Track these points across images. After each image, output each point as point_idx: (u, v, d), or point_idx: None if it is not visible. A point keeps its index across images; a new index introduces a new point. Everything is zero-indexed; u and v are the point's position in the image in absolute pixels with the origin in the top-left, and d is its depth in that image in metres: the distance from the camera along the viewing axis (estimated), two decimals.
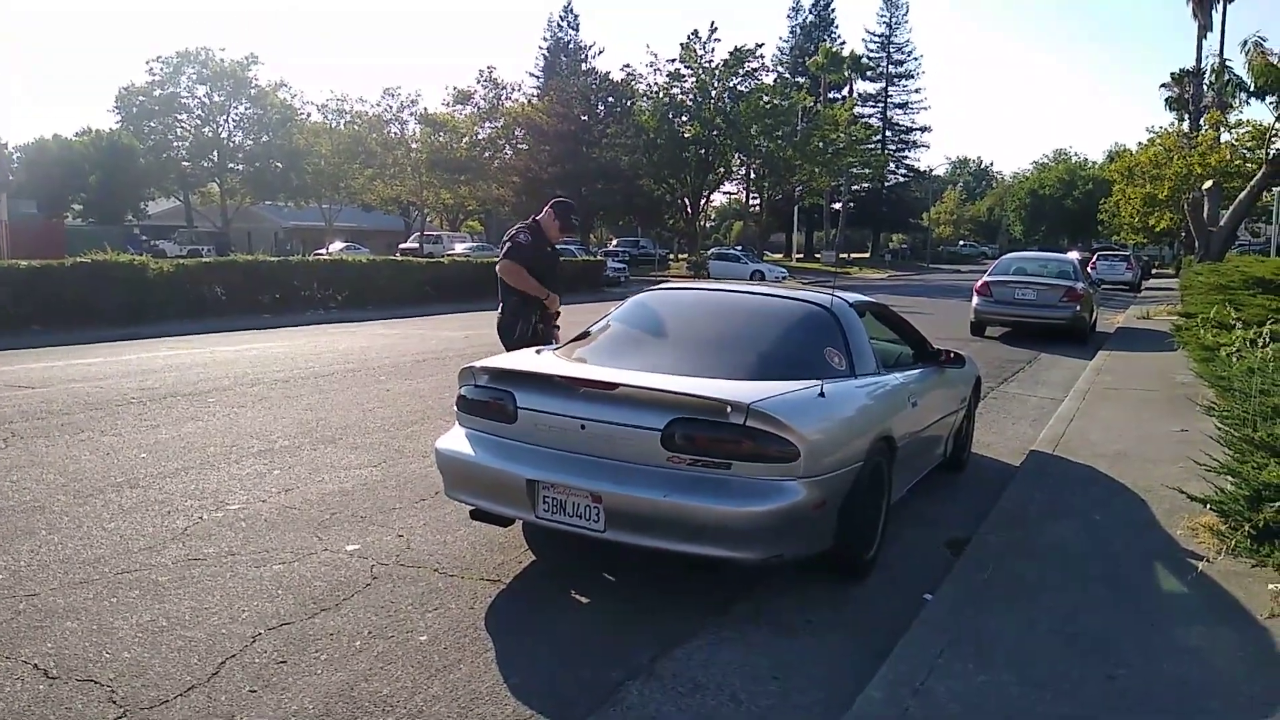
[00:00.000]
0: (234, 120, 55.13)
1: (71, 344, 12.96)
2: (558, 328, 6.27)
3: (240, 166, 55.29)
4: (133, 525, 4.92)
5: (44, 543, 4.62)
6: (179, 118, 54.59)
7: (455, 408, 4.54)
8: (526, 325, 6.10)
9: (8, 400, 8.34)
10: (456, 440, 4.42)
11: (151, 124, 53.82)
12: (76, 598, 3.96)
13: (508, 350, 5.63)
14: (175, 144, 54.97)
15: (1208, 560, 4.47)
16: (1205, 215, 22.87)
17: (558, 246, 6.64)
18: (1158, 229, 40.36)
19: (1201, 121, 38.41)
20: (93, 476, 5.86)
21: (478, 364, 4.46)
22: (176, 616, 3.80)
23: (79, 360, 11.20)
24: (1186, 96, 43.46)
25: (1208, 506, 4.81)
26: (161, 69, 53.05)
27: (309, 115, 54.28)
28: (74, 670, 3.32)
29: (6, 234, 29.43)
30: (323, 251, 41.22)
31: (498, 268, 6.16)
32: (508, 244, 6.18)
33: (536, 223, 6.29)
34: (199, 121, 54.68)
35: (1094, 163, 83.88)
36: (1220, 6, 40.49)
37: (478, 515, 4.48)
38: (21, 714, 3.03)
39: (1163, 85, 46.38)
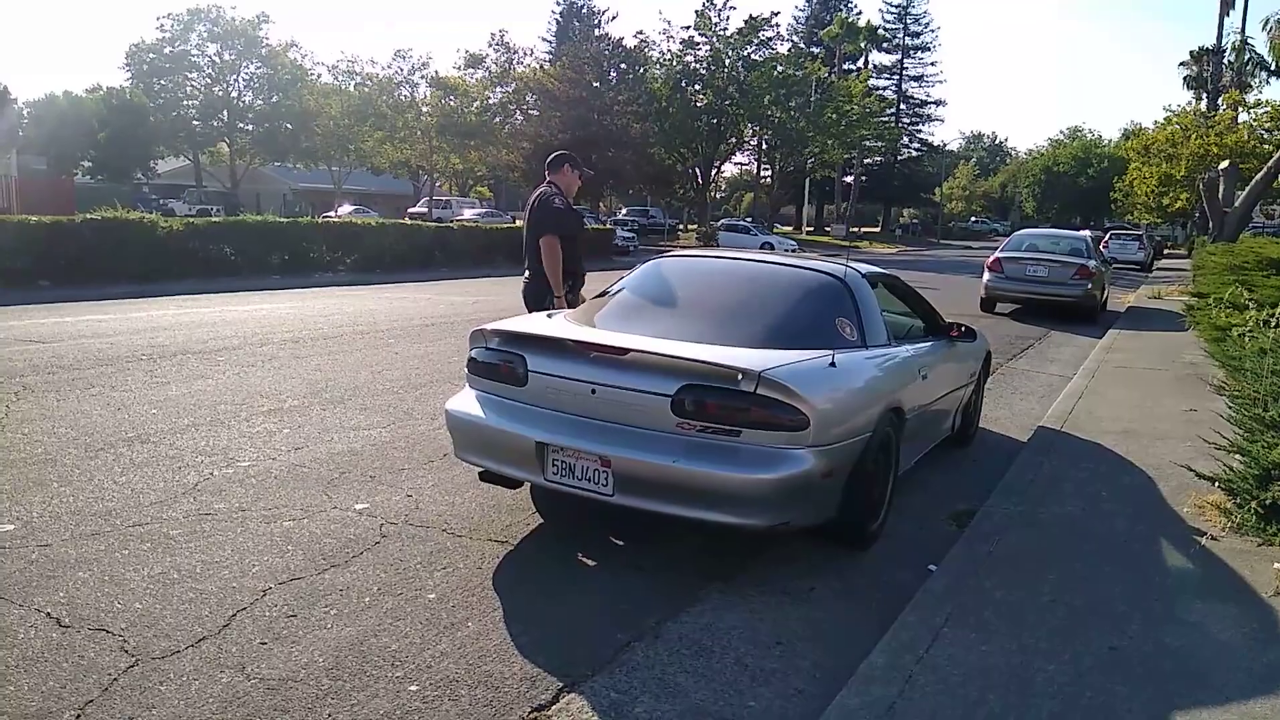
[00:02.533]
0: (244, 80, 54.72)
1: (81, 300, 12.98)
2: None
3: (250, 127, 54.96)
4: (144, 479, 4.96)
5: (56, 495, 4.66)
6: (189, 76, 54.21)
7: (466, 370, 4.55)
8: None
9: (18, 354, 8.38)
10: (467, 402, 4.43)
11: (162, 82, 53.46)
12: (88, 549, 4.00)
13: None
14: (185, 103, 54.62)
15: (1213, 538, 4.49)
16: (1220, 196, 22.68)
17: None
18: (1172, 209, 40.13)
19: (1220, 101, 38.09)
20: (104, 431, 5.89)
21: (489, 326, 4.46)
22: (188, 569, 3.84)
23: (89, 316, 11.23)
24: (1205, 75, 43.09)
25: (1215, 484, 4.82)
26: (172, 26, 52.61)
27: (319, 76, 53.91)
28: (86, 619, 3.36)
29: (16, 190, 29.47)
30: (331, 214, 41.12)
31: (543, 241, 5.75)
32: (555, 213, 5.81)
33: (555, 184, 5.98)
34: (209, 80, 54.31)
35: (1109, 141, 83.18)
36: None
37: (486, 477, 4.50)
38: (34, 661, 3.07)
39: (1181, 64, 46.05)
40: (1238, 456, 4.80)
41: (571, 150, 6.88)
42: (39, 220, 15.17)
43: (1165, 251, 49.63)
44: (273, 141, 54.15)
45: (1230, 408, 5.72)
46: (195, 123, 54.82)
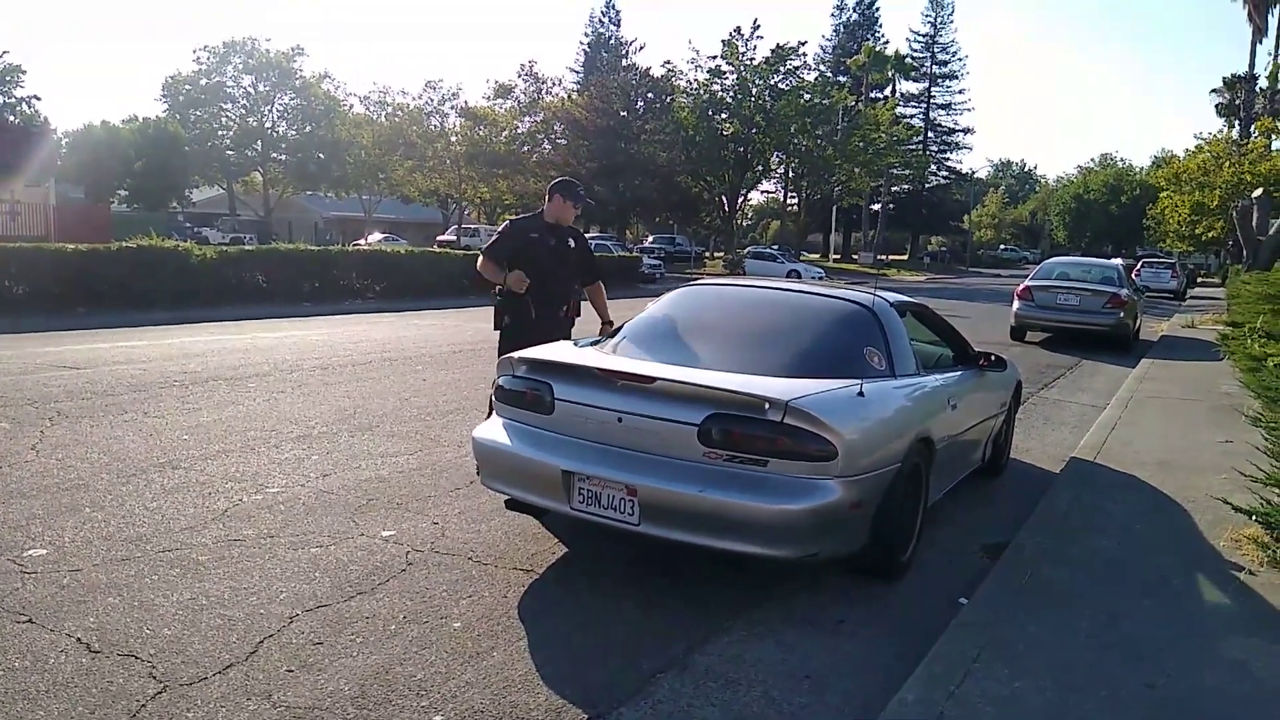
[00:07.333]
0: (278, 111, 55.67)
1: (116, 327, 13.19)
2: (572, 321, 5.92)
3: (283, 156, 55.82)
4: (174, 505, 5.00)
5: (88, 520, 4.70)
6: (224, 107, 55.22)
7: (493, 397, 4.56)
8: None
9: (54, 380, 8.50)
10: (493, 430, 4.44)
11: (197, 113, 54.48)
12: (119, 574, 4.03)
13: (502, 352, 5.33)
14: (220, 133, 55.59)
15: (1251, 572, 4.39)
16: (1254, 224, 22.42)
17: (594, 243, 6.41)
18: (1205, 238, 39.71)
19: (1252, 129, 37.74)
20: (136, 457, 5.96)
21: (516, 355, 4.48)
22: (216, 595, 3.86)
23: (123, 343, 11.39)
24: (1238, 103, 42.76)
25: (1253, 518, 4.71)
26: (208, 58, 53.68)
27: (351, 106, 54.75)
28: (115, 645, 3.38)
29: (54, 218, 29.99)
30: (362, 242, 41.61)
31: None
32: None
33: (539, 214, 5.91)
34: (244, 111, 55.28)
35: (1141, 168, 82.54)
36: (1277, 10, 39.73)
37: (513, 505, 4.50)
38: (64, 686, 3.08)
39: (1213, 91, 45.76)
40: (1275, 490, 4.70)
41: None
42: (76, 248, 15.45)
43: (1199, 280, 49.02)
44: (305, 171, 54.91)
45: (1267, 439, 5.61)
46: (229, 152, 55.73)
